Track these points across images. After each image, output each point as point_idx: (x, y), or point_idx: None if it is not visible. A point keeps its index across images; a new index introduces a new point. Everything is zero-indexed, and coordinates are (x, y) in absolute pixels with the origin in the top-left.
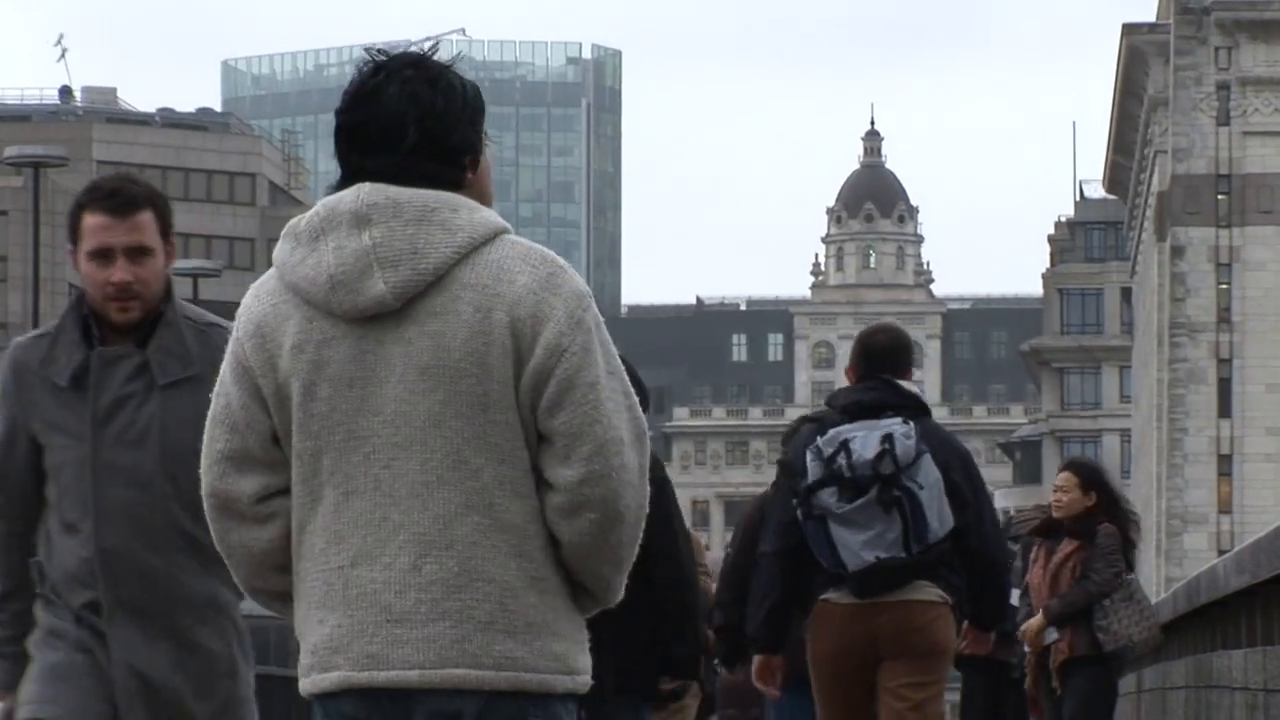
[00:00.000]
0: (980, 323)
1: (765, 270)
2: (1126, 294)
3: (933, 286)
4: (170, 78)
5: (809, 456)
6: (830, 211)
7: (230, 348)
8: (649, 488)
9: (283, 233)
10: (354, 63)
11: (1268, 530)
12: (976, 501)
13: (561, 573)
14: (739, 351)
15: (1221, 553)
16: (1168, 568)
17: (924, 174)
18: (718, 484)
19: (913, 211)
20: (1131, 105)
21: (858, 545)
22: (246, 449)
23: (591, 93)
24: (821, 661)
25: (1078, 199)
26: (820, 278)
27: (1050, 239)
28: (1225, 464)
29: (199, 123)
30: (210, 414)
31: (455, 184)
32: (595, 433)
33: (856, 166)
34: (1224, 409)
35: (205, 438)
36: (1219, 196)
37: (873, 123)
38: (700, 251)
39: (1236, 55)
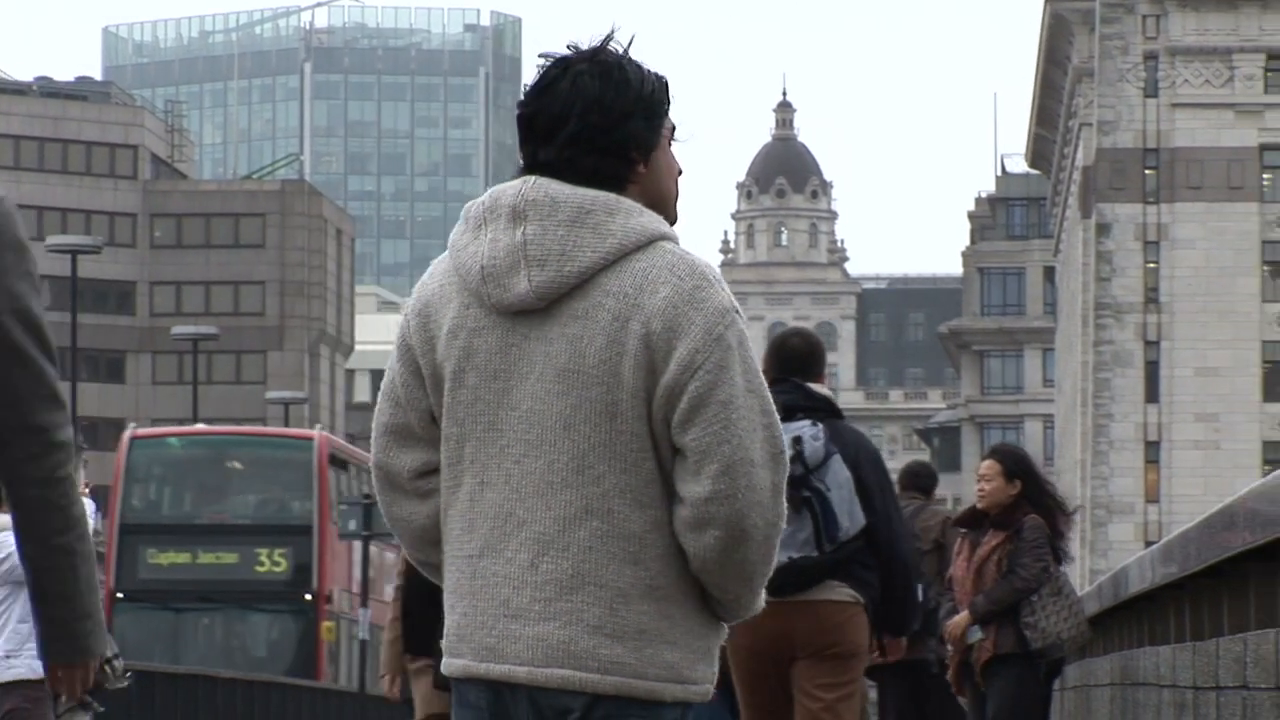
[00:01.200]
0: (897, 303)
1: None
2: (1050, 273)
3: (847, 265)
4: (49, 45)
5: None
6: (740, 186)
7: (401, 322)
8: (783, 507)
9: (461, 212)
10: (240, 29)
11: (1197, 521)
12: (885, 502)
13: (685, 582)
14: None
15: (1149, 544)
16: (1092, 559)
17: (838, 147)
18: None
19: (826, 187)
20: (1055, 76)
21: None
22: (408, 424)
23: (490, 61)
24: (739, 657)
25: (999, 174)
26: (730, 256)
27: (970, 215)
28: (1152, 451)
29: (78, 92)
30: (381, 386)
31: (620, 178)
32: (724, 452)
33: (768, 139)
34: (1151, 393)
35: (375, 410)
36: (1146, 171)
37: (785, 93)
38: None
39: (1165, 24)
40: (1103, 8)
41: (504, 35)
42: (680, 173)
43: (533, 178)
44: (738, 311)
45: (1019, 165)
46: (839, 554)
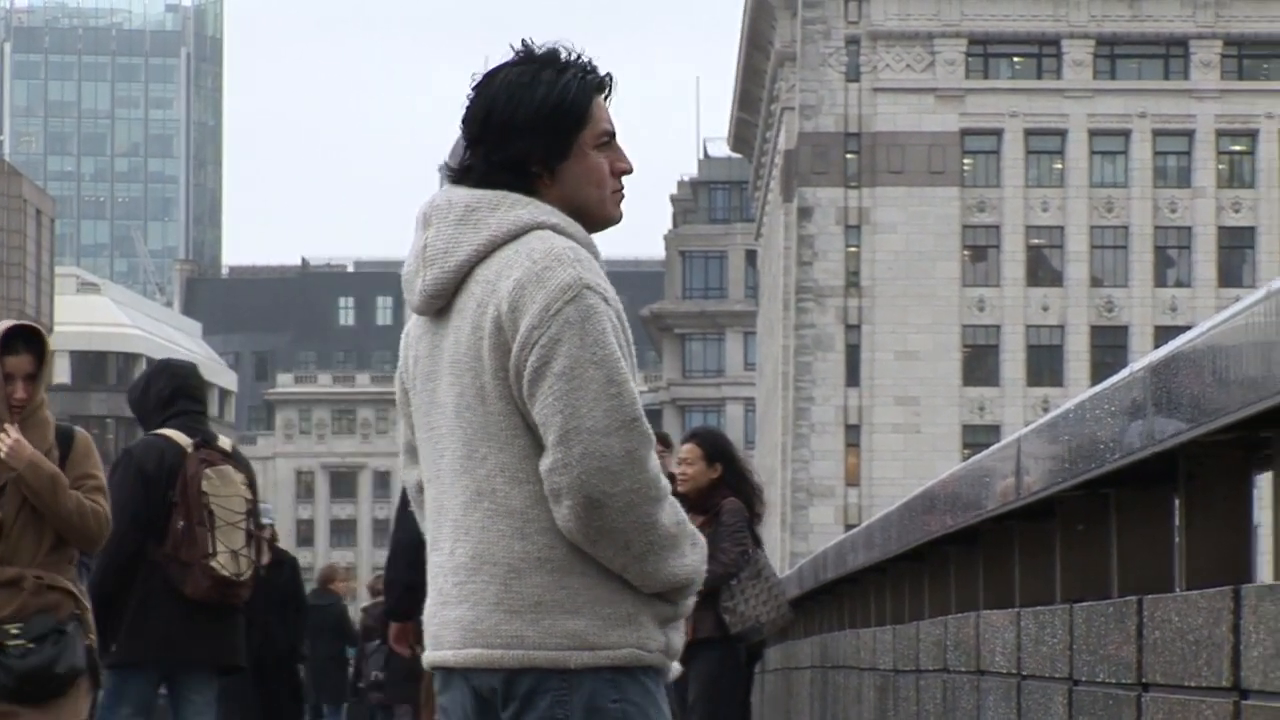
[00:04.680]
0: None
1: (375, 230)
2: (751, 257)
3: None
4: None
5: None
6: (441, 169)
7: None
8: (648, 473)
9: None
10: None
11: (897, 505)
12: None
13: (582, 553)
14: (346, 315)
15: (849, 527)
16: (793, 542)
17: None
18: (323, 454)
19: None
20: (757, 59)
21: None
22: (410, 442)
23: (191, 42)
24: None
25: (701, 157)
26: None
27: (672, 199)
28: (853, 434)
29: None
30: None
31: (517, 188)
32: (558, 422)
33: None
34: (852, 377)
35: None
36: (848, 155)
37: None
38: (306, 210)
39: (866, 8)
40: None
41: (205, 16)
42: (622, 173)
43: (446, 187)
44: (591, 288)
45: (721, 149)
46: None
